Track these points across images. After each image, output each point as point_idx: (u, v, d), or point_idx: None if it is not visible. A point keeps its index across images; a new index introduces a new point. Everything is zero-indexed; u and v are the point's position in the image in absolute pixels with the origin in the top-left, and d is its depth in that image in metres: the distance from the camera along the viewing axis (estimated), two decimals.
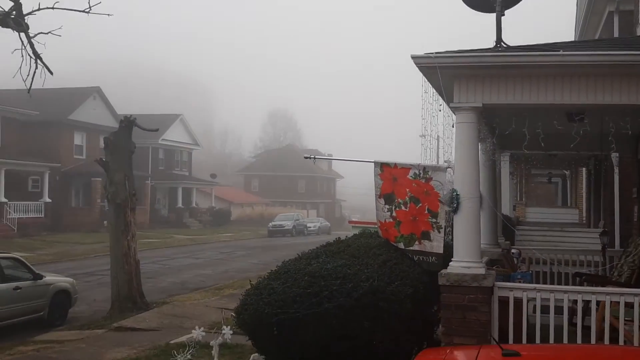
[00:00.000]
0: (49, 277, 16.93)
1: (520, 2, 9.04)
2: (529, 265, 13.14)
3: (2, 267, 15.42)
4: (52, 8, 7.40)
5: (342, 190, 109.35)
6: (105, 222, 46.13)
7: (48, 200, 45.83)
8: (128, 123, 16.07)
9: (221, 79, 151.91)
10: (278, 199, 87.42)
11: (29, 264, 16.61)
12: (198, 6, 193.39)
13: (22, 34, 7.45)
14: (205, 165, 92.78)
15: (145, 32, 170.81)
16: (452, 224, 8.61)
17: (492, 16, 8.88)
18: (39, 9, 7.39)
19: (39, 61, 7.58)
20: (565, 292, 7.78)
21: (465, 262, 7.96)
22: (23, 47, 7.48)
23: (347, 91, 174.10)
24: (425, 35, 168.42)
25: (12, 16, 7.30)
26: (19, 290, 15.38)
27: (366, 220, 40.88)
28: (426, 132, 8.52)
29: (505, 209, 22.79)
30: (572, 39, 22.18)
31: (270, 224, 61.75)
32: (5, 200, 41.89)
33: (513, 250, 12.53)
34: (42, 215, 45.04)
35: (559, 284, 12.74)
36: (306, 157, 11.85)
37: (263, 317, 7.16)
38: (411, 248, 9.25)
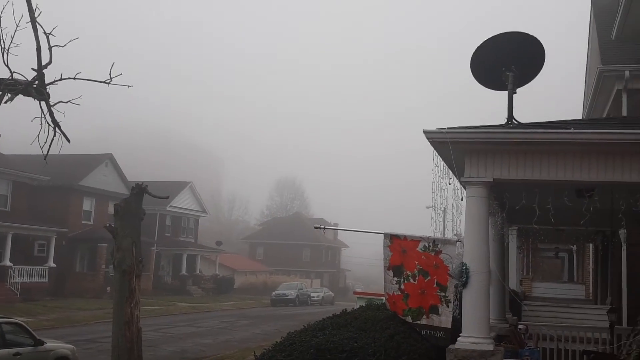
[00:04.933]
0: (50, 344, 16.73)
1: (531, 81, 9.24)
2: (537, 342, 12.96)
3: (4, 331, 15.27)
4: (74, 78, 7.52)
5: (347, 259, 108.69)
6: (108, 288, 45.80)
7: (53, 265, 45.61)
8: (139, 190, 16.12)
9: (230, 146, 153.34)
10: (282, 267, 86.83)
11: (30, 330, 16.45)
12: (208, 76, 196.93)
13: (43, 103, 7.58)
14: (211, 232, 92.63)
15: (157, 101, 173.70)
16: (461, 298, 8.57)
17: (504, 93, 9.06)
18: (60, 79, 7.52)
19: (57, 129, 7.68)
20: None
21: (473, 337, 7.89)
22: (42, 116, 7.58)
23: (356, 161, 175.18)
24: (436, 109, 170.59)
25: (35, 86, 7.44)
26: (19, 356, 15.16)
27: (371, 291, 40.57)
28: (435, 204, 8.58)
29: (512, 283, 22.63)
30: (581, 117, 22.43)
31: (274, 293, 61.17)
32: (10, 264, 41.72)
33: (520, 326, 12.40)
34: (46, 280, 44.75)
35: None
36: (316, 227, 11.92)
37: None
38: (419, 322, 9.18)
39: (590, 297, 26.01)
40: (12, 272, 41.55)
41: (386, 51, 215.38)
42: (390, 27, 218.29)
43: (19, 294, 40.79)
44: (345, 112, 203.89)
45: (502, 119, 8.56)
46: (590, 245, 24.81)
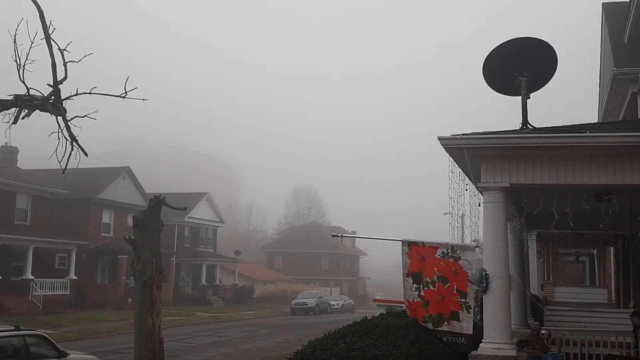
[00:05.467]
0: (73, 355, 16.85)
1: (545, 86, 9.22)
2: (560, 347, 12.88)
3: (27, 344, 15.40)
4: (90, 93, 7.62)
5: (366, 267, 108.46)
6: (129, 299, 46.04)
7: (74, 277, 45.96)
8: (158, 202, 16.23)
9: (246, 156, 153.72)
10: (301, 276, 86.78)
11: (53, 341, 16.57)
12: (223, 87, 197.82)
13: (60, 118, 7.67)
14: (229, 242, 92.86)
15: (173, 115, 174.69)
16: (481, 304, 8.54)
17: (518, 99, 9.05)
18: (77, 94, 7.62)
19: (74, 143, 7.77)
20: None
21: (495, 343, 7.86)
22: (60, 130, 7.68)
23: (372, 169, 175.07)
24: (449, 116, 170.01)
25: (51, 101, 7.54)
26: None
27: (391, 298, 40.43)
28: (452, 210, 8.56)
29: (534, 288, 22.48)
30: (596, 120, 22.28)
31: (293, 301, 61.12)
32: (32, 277, 42.12)
33: (543, 331, 12.33)
34: (68, 293, 45.10)
35: None
36: (333, 235, 11.93)
37: None
38: (440, 329, 9.15)
39: (613, 301, 25.78)
40: (34, 285, 41.95)
41: (397, 51, 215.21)
42: (398, 28, 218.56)
43: (41, 306, 41.13)
44: (362, 115, 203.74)
45: (513, 121, 8.58)
46: (611, 248, 24.62)
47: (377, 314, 13.15)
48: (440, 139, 7.77)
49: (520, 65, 9.09)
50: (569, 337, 13.07)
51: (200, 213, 64.58)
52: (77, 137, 7.89)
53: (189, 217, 60.70)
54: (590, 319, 18.10)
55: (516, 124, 8.76)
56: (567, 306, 22.16)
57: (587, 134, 7.47)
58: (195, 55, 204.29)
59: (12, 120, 7.63)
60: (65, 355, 16.20)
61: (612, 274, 26.19)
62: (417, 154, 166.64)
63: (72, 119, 7.76)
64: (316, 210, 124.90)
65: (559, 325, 15.34)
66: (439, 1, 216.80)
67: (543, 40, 9.30)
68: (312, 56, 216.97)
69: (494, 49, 9.45)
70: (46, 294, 42.47)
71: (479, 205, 8.51)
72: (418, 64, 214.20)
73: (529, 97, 9.02)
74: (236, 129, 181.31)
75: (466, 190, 8.55)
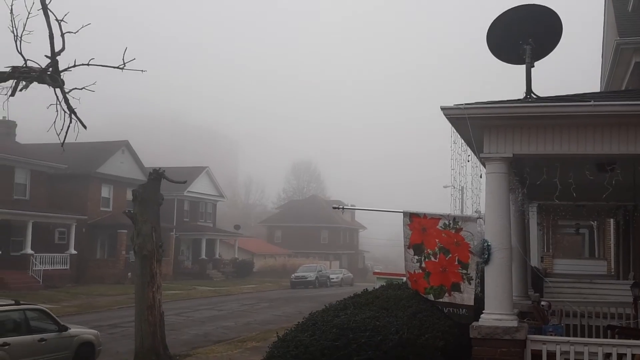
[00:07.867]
0: (74, 329, 16.91)
1: (549, 54, 9.11)
2: (560, 318, 12.91)
3: (28, 318, 15.46)
4: (88, 64, 7.52)
5: (365, 241, 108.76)
6: (129, 273, 46.20)
7: (74, 252, 46.08)
8: (157, 176, 16.22)
9: (246, 130, 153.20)
10: (301, 249, 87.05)
11: (54, 316, 16.62)
12: (223, 61, 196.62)
13: (58, 90, 7.58)
14: (229, 216, 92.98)
15: (172, 87, 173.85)
16: (482, 275, 8.52)
17: (522, 68, 8.94)
18: (74, 66, 7.52)
19: (73, 116, 7.68)
20: (600, 345, 7.62)
21: (497, 314, 7.84)
22: (58, 103, 7.59)
23: (372, 142, 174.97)
24: (454, 86, 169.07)
25: (49, 73, 7.44)
26: (43, 342, 15.36)
27: (390, 271, 40.56)
28: (454, 182, 8.50)
29: (534, 260, 22.54)
30: (599, 89, 22.14)
31: (293, 275, 61.42)
32: (32, 252, 42.20)
33: (543, 303, 12.36)
34: (67, 267, 45.24)
35: (591, 337, 12.51)
36: (335, 208, 11.93)
37: None
38: (441, 300, 9.15)
39: (612, 273, 25.86)
40: (33, 260, 42.04)
41: (402, 18, 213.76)
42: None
43: (41, 281, 41.27)
44: (363, 86, 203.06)
45: (521, 94, 8.47)
46: (611, 220, 24.64)
47: (377, 286, 13.16)
48: (443, 108, 7.68)
49: (524, 33, 8.97)
50: (569, 308, 13.10)
51: (200, 187, 64.60)
52: (75, 110, 7.81)
53: (188, 191, 60.68)
54: (590, 291, 18.14)
55: (521, 95, 8.66)
56: (566, 278, 22.22)
57: (592, 102, 7.37)
58: (197, 29, 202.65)
59: (9, 93, 7.54)
60: (66, 329, 16.26)
61: (612, 245, 26.24)
62: (418, 126, 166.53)
63: (70, 90, 7.68)
64: (316, 184, 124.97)
65: (559, 297, 15.38)
66: None
67: (548, 8, 9.16)
68: (315, 16, 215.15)
69: (498, 16, 9.32)
70: (46, 268, 42.59)
71: (481, 177, 8.45)
72: (421, 33, 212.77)
73: (533, 66, 8.91)
74: (237, 103, 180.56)
75: (468, 161, 8.47)
